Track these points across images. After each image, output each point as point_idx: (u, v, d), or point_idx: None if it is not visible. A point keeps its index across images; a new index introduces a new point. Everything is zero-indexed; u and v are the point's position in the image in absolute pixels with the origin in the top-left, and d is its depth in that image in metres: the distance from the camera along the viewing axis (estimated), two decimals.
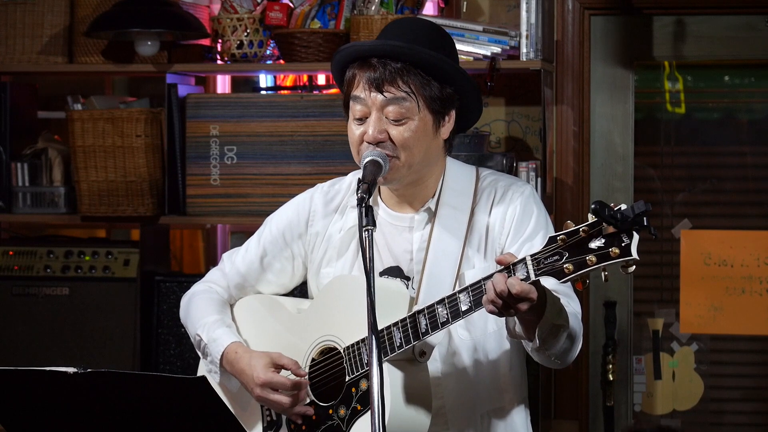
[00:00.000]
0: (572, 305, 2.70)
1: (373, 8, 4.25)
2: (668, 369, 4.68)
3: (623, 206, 2.36)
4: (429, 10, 4.45)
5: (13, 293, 4.40)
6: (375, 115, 2.72)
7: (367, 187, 2.57)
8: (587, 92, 4.49)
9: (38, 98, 4.76)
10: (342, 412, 2.75)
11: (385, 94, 2.70)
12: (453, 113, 2.79)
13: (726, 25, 4.48)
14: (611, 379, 4.49)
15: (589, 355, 4.51)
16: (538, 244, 2.63)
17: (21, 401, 2.41)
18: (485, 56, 4.17)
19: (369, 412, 2.65)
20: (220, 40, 4.43)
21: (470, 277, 2.70)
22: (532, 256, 2.47)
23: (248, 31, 4.37)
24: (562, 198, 4.48)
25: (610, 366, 4.49)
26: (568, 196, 4.47)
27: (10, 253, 4.44)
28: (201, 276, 3.13)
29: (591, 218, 2.40)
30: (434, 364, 2.77)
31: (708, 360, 4.70)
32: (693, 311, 4.56)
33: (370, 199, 2.56)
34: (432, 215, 2.82)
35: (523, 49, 4.18)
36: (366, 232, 2.49)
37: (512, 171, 4.21)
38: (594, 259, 2.39)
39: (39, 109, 4.77)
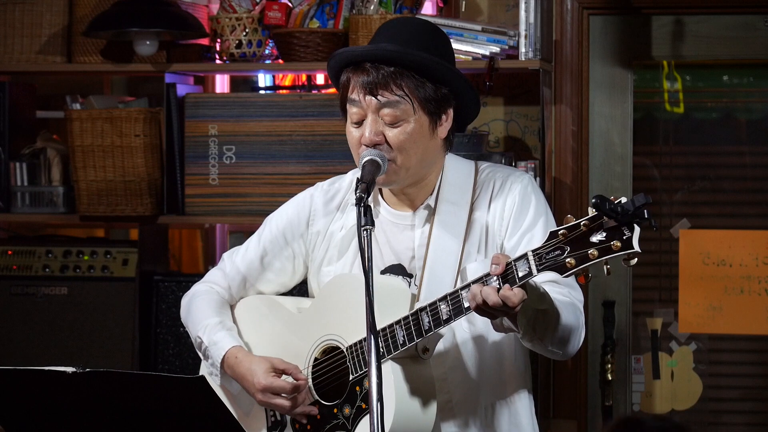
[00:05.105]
0: (573, 294, 2.71)
1: (371, 8, 4.25)
2: (667, 369, 4.67)
3: (623, 199, 2.37)
4: (428, 9, 4.45)
5: (12, 293, 4.40)
6: (371, 118, 2.73)
7: (366, 187, 2.58)
8: (586, 92, 4.49)
9: (37, 98, 4.75)
10: (347, 410, 2.75)
11: (379, 97, 2.70)
12: (450, 112, 2.78)
13: (725, 24, 4.47)
14: (610, 378, 4.49)
15: (587, 354, 4.51)
16: (538, 234, 2.64)
17: (20, 401, 2.41)
18: (484, 56, 4.17)
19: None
20: (218, 40, 4.42)
21: (472, 270, 2.70)
22: (533, 251, 2.47)
23: (247, 30, 4.36)
24: (560, 198, 4.47)
25: (609, 366, 4.49)
26: (566, 196, 4.47)
27: (9, 252, 4.44)
28: (200, 275, 3.12)
29: (591, 212, 2.40)
30: (439, 360, 2.77)
31: (707, 360, 4.70)
32: (692, 311, 4.56)
33: (371, 198, 2.56)
34: (432, 212, 2.82)
35: (522, 49, 4.19)
36: (365, 232, 2.49)
37: None
38: (596, 252, 2.40)
39: (37, 108, 4.76)
